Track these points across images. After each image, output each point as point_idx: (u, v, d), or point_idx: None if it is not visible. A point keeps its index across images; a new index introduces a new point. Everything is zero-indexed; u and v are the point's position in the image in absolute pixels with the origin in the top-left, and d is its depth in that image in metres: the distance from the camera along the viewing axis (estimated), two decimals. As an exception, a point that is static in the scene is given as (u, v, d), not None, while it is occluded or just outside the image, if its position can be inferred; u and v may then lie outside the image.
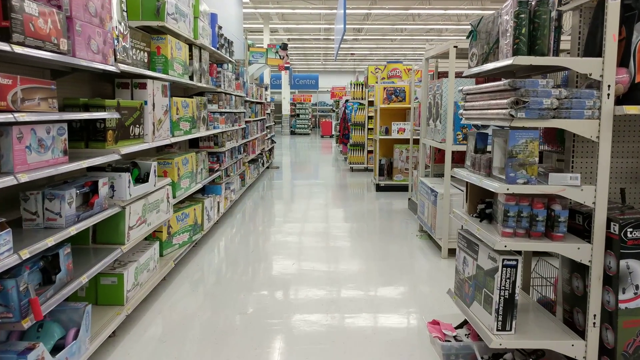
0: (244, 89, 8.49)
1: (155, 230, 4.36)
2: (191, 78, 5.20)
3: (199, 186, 5.30)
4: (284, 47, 11.78)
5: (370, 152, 11.82)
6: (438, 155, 6.12)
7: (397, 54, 30.41)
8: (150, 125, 3.79)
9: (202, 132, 5.54)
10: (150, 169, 3.67)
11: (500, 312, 2.31)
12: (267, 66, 12.12)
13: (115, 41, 3.18)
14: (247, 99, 8.97)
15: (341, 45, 24.87)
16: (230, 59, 7.30)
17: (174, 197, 4.46)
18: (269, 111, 13.63)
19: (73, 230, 2.62)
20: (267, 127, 12.41)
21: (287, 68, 28.78)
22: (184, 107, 4.79)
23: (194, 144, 6.39)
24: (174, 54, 4.46)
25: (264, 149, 11.63)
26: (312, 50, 29.34)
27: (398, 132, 8.86)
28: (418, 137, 7.49)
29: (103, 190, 3.01)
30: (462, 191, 5.00)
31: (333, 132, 25.78)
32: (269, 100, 14.79)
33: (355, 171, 12.09)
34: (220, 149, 6.43)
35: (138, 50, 3.75)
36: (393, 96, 9.05)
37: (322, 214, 7.21)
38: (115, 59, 3.17)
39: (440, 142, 5.08)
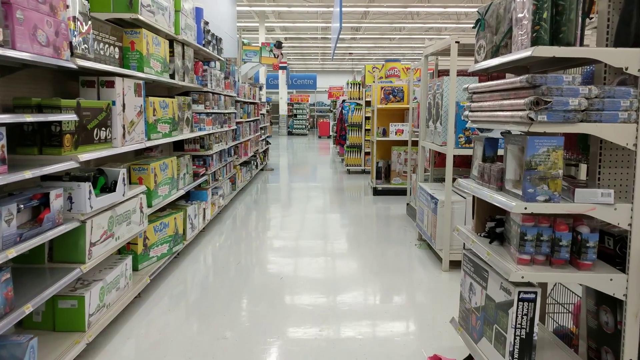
0: (234, 89, 8.11)
1: (129, 242, 3.98)
2: (172, 76, 4.81)
3: (181, 193, 4.91)
4: (279, 45, 11.39)
5: (367, 154, 11.44)
6: (438, 158, 5.75)
7: (396, 53, 30.02)
8: (119, 128, 3.40)
9: (186, 135, 5.16)
10: (119, 177, 3.29)
11: (516, 356, 1.92)
12: (261, 65, 11.73)
13: (73, 33, 2.79)
14: (239, 99, 8.58)
15: (339, 45, 24.46)
16: (219, 57, 6.92)
17: (150, 206, 4.08)
18: (263, 111, 13.25)
19: (12, 253, 2.23)
20: (261, 128, 12.02)
21: (284, 68, 28.43)
22: (163, 108, 4.40)
23: (178, 146, 6.00)
24: (150, 49, 4.07)
25: (257, 150, 11.25)
26: (309, 50, 28.96)
27: (396, 134, 8.48)
28: (417, 139, 7.12)
29: (56, 203, 2.63)
30: (464, 198, 4.62)
31: (331, 133, 25.40)
32: (263, 100, 14.41)
33: (352, 173, 11.71)
34: (206, 152, 6.04)
35: (107, 45, 3.37)
36: (391, 96, 8.67)
37: (317, 219, 6.83)
38: (72, 54, 2.78)
39: (441, 146, 4.70)
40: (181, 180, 5.00)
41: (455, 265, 4.63)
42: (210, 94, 6.22)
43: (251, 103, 10.33)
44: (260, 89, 12.13)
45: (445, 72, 5.75)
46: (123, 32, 3.79)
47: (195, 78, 5.67)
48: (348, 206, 7.81)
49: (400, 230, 6.18)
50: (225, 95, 7.28)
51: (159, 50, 4.32)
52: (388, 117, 9.04)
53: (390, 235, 5.97)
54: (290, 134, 29.65)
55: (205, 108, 6.04)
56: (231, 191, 7.98)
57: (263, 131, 12.62)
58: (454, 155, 4.53)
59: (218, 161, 6.78)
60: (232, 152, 8.00)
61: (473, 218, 2.48)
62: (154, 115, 4.17)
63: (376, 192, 8.65)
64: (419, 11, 18.88)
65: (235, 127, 8.03)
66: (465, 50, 4.69)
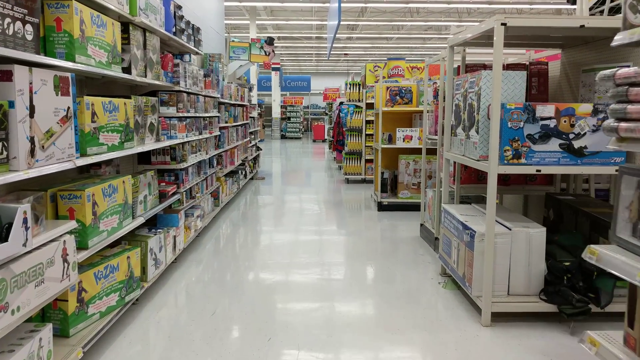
0: (217, 89, 6.98)
1: (57, 299, 2.85)
2: (127, 70, 3.69)
3: (140, 221, 3.78)
4: (270, 41, 10.27)
5: (368, 161, 10.35)
6: (464, 173, 4.65)
7: (393, 54, 28.99)
8: (23, 143, 2.28)
9: (149, 145, 4.03)
10: (16, 217, 2.16)
11: None
12: (251, 64, 10.60)
13: None
14: (223, 100, 7.46)
15: (334, 45, 23.37)
16: (198, 50, 5.80)
17: (84, 247, 2.94)
18: (254, 114, 12.12)
19: None
20: (251, 133, 10.90)
21: (277, 69, 27.33)
22: (109, 112, 3.27)
23: (145, 159, 4.88)
24: (88, 31, 2.95)
25: (246, 157, 10.12)
26: (303, 50, 27.89)
27: (404, 141, 7.39)
28: (433, 147, 6.04)
29: None
30: (509, 230, 3.53)
31: (326, 137, 24.31)
32: (254, 102, 13.28)
33: (352, 183, 10.60)
34: (179, 164, 4.91)
35: (7, 20, 2.24)
36: (398, 97, 7.58)
37: (312, 244, 5.71)
38: None
39: (478, 160, 3.60)
40: (140, 204, 3.87)
41: (499, 318, 3.53)
42: (185, 94, 5.10)
43: (239, 105, 9.21)
44: (251, 89, 11.00)
45: (473, 68, 4.67)
46: (42, 4, 2.67)
47: (163, 74, 4.55)
48: (349, 225, 6.70)
49: (416, 260, 5.07)
50: (205, 96, 6.16)
51: (104, 33, 3.20)
52: (394, 121, 7.95)
53: (404, 267, 4.86)
54: (283, 137, 28.54)
55: (177, 111, 4.92)
56: (213, 208, 6.85)
57: (253, 136, 11.49)
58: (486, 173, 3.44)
59: (195, 175, 5.65)
60: (215, 162, 6.87)
61: (627, 322, 1.38)
62: (93, 122, 3.04)
63: (381, 207, 7.55)
64: (420, 8, 17.83)
65: (218, 133, 6.91)
66: (513, 38, 3.59)
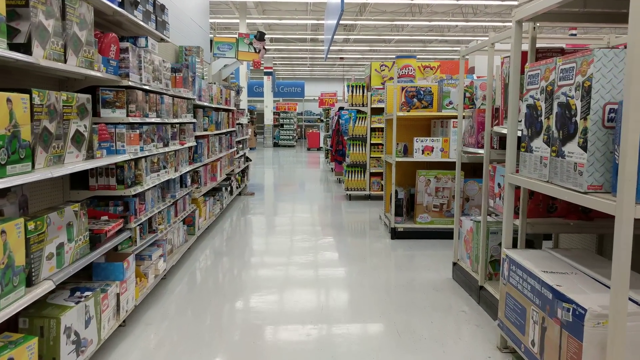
0: (193, 88, 5.60)
1: None
2: (24, 48, 2.30)
3: (45, 288, 2.37)
4: (261, 36, 8.90)
5: (374, 175, 8.99)
6: (531, 202, 3.27)
7: (391, 59, 27.78)
8: None
9: (72, 165, 2.64)
10: None
11: None
12: (239, 62, 9.23)
13: None
14: (201, 103, 6.07)
15: (330, 48, 22.06)
16: (163, 36, 4.42)
17: None
18: (243, 121, 10.73)
19: None
20: (238, 142, 9.50)
21: (269, 73, 25.99)
22: (-31, 113, 1.87)
23: (81, 183, 3.48)
24: None
25: (233, 171, 8.72)
26: (297, 54, 26.59)
27: (423, 153, 6.03)
28: (471, 162, 4.71)
29: None
30: (640, 306, 2.16)
31: (321, 145, 22.97)
32: (243, 107, 11.90)
33: (354, 199, 9.22)
34: (130, 190, 3.51)
35: None
36: (415, 100, 6.23)
37: (309, 286, 4.32)
38: None
39: (586, 194, 2.24)
40: (49, 261, 2.46)
41: None
42: (139, 92, 3.71)
43: (223, 110, 7.82)
44: (239, 92, 9.61)
45: (544, 53, 3.31)
46: None
47: (102, 62, 3.16)
48: (355, 260, 5.31)
49: (457, 321, 3.69)
50: (173, 97, 4.77)
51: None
52: (410, 129, 6.61)
53: (439, 332, 3.47)
54: (276, 145, 27.16)
55: (128, 115, 3.54)
56: (187, 238, 5.43)
57: (241, 145, 10.09)
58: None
59: (158, 200, 4.25)
60: (189, 180, 5.46)
61: None
62: None
63: (395, 234, 6.17)
64: (426, 4, 16.56)
65: (193, 143, 5.51)
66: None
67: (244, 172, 10.15)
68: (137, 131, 3.64)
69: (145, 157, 3.85)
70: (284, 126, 27.53)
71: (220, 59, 8.69)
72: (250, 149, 23.85)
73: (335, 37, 21.13)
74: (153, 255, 3.95)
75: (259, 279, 4.70)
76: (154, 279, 4.03)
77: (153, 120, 4.05)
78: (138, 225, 3.70)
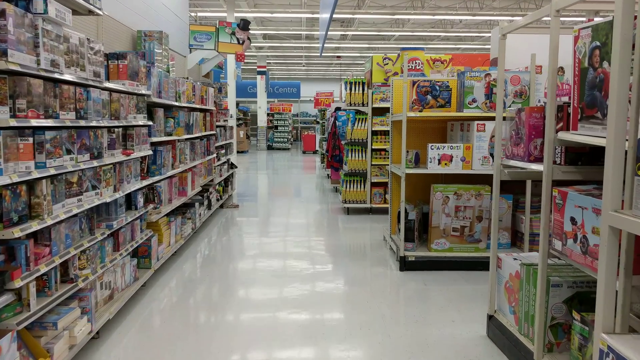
0: (148, 82, 4.37)
1: None
2: None
3: None
4: (245, 25, 7.69)
5: (376, 185, 7.79)
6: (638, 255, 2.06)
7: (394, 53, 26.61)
8: None
9: None
10: None
11: None
12: (220, 57, 8.01)
13: None
14: (161, 101, 4.84)
15: (326, 46, 20.85)
16: (89, 5, 3.20)
17: None
18: (230, 123, 9.52)
19: None
20: (219, 148, 8.27)
21: (262, 73, 24.76)
22: None
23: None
24: None
25: (212, 180, 7.49)
26: (292, 52, 25.37)
27: (440, 163, 4.83)
28: (514, 179, 3.52)
29: None
30: None
31: (317, 148, 21.75)
32: (230, 107, 10.68)
33: (353, 213, 8.00)
34: (13, 229, 2.29)
35: None
36: (429, 97, 5.02)
37: (301, 341, 3.11)
38: None
39: None
40: None
41: None
42: (35, 81, 2.49)
43: (198, 110, 6.60)
44: (220, 90, 8.38)
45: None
46: None
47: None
48: (357, 304, 4.09)
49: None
50: (111, 91, 3.55)
51: None
52: (421, 133, 5.42)
53: None
54: (270, 148, 25.91)
55: (16, 115, 2.32)
56: (137, 276, 4.20)
57: (225, 151, 8.87)
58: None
59: (81, 235, 3.03)
60: (141, 199, 4.23)
61: None
62: None
63: (405, 264, 4.96)
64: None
65: (148, 151, 4.29)
66: None
67: (227, 181, 8.93)
68: (30, 140, 2.42)
69: (51, 176, 2.63)
70: (278, 128, 26.28)
71: (197, 51, 7.46)
72: (243, 152, 22.63)
73: (331, 33, 19.92)
74: (61, 321, 2.71)
75: (236, 333, 3.48)
76: (68, 352, 2.80)
77: (70, 122, 2.84)
78: (32, 279, 2.47)
